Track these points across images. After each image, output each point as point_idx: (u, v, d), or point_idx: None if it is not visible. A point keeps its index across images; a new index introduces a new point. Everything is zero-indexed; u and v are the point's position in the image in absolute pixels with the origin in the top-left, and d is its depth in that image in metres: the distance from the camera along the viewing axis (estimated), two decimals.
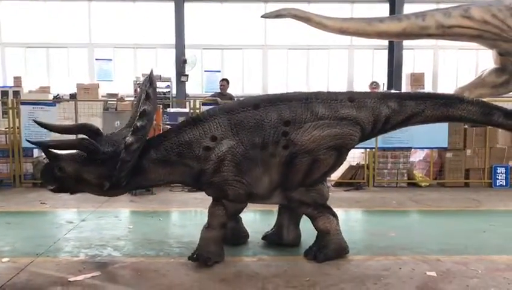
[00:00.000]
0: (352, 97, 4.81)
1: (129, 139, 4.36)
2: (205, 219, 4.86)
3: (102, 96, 16.35)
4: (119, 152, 4.44)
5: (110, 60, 17.70)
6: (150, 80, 4.63)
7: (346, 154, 4.96)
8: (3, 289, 4.15)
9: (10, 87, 16.27)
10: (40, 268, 4.64)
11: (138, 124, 4.38)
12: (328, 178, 9.03)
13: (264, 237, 5.47)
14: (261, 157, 4.63)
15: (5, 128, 9.06)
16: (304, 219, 5.25)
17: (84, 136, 4.54)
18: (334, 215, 4.96)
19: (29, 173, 8.82)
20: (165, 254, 5.09)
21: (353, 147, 5.01)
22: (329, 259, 4.84)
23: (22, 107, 8.63)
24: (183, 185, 5.08)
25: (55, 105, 8.67)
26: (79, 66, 18.17)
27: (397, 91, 5.38)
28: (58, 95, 15.89)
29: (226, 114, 4.69)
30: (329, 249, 4.89)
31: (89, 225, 6.23)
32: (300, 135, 4.60)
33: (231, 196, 4.67)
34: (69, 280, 4.36)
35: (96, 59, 17.92)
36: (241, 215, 5.29)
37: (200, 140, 4.63)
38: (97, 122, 16.82)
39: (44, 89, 16.30)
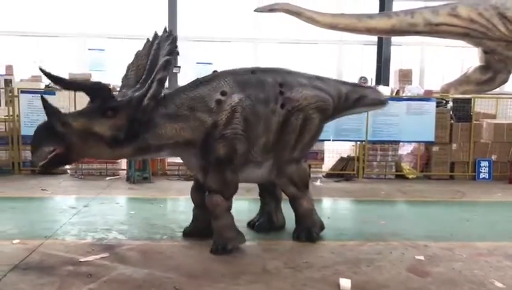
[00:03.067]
0: (318, 76, 5.52)
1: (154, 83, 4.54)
2: None
3: None
4: (133, 101, 4.51)
5: (103, 50, 17.75)
6: (172, 45, 4.76)
7: (324, 125, 5.46)
8: (19, 268, 4.38)
9: (2, 75, 16.27)
10: (51, 249, 4.88)
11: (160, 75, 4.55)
12: (319, 169, 9.41)
13: (253, 225, 5.74)
14: (265, 113, 4.96)
15: (5, 116, 9.19)
16: None
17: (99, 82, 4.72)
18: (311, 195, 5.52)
19: (27, 160, 8.95)
20: (169, 238, 5.36)
21: (328, 118, 5.50)
22: (319, 238, 5.32)
23: (21, 95, 8.76)
24: (184, 149, 4.92)
25: (55, 94, 8.82)
26: (71, 56, 18.19)
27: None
28: (50, 84, 15.93)
29: (230, 75, 5.05)
30: (317, 227, 5.42)
31: (92, 211, 6.45)
32: (294, 93, 5.11)
33: (240, 151, 4.82)
34: (80, 260, 4.60)
35: (88, 49, 17.95)
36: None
37: (211, 94, 4.83)
38: None
39: (36, 78, 16.30)
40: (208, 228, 5.07)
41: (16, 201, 6.93)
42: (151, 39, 5.07)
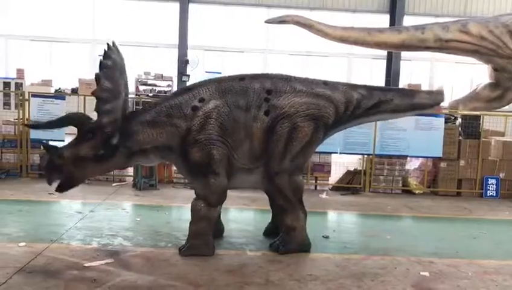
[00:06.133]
0: (326, 81, 5.38)
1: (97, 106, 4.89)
2: None
3: None
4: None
5: None
6: (107, 52, 5.01)
7: (321, 134, 5.23)
8: (24, 270, 4.40)
9: (13, 78, 16.42)
10: (56, 253, 4.90)
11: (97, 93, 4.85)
12: (326, 182, 9.39)
13: (266, 232, 5.83)
14: (244, 120, 5.00)
15: (15, 119, 9.26)
16: None
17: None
18: (304, 213, 5.31)
19: (36, 163, 9.02)
20: (174, 246, 5.35)
21: (328, 126, 5.24)
22: (290, 252, 5.18)
23: (32, 99, 8.84)
24: (166, 154, 5.19)
25: (64, 99, 8.89)
26: (81, 61, 18.38)
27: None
28: (60, 88, 16.10)
29: (215, 82, 5.21)
30: (292, 244, 5.24)
31: (98, 216, 6.48)
32: (280, 100, 5.06)
33: (216, 156, 4.91)
34: (85, 265, 4.62)
35: (99, 55, 18.08)
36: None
37: (189, 102, 5.06)
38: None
39: (46, 82, 16.47)
40: (215, 230, 5.32)
41: (23, 204, 6.97)
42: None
